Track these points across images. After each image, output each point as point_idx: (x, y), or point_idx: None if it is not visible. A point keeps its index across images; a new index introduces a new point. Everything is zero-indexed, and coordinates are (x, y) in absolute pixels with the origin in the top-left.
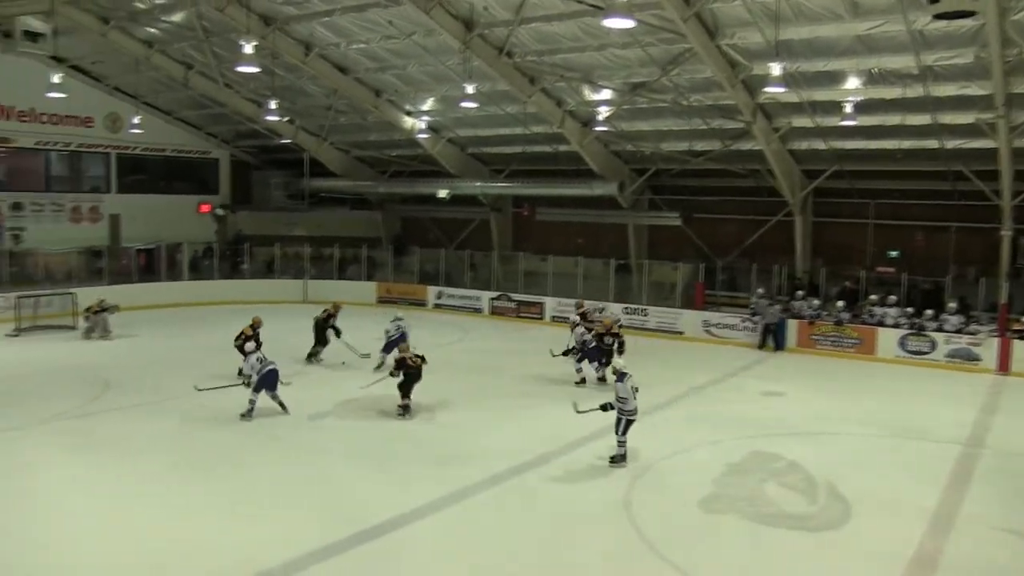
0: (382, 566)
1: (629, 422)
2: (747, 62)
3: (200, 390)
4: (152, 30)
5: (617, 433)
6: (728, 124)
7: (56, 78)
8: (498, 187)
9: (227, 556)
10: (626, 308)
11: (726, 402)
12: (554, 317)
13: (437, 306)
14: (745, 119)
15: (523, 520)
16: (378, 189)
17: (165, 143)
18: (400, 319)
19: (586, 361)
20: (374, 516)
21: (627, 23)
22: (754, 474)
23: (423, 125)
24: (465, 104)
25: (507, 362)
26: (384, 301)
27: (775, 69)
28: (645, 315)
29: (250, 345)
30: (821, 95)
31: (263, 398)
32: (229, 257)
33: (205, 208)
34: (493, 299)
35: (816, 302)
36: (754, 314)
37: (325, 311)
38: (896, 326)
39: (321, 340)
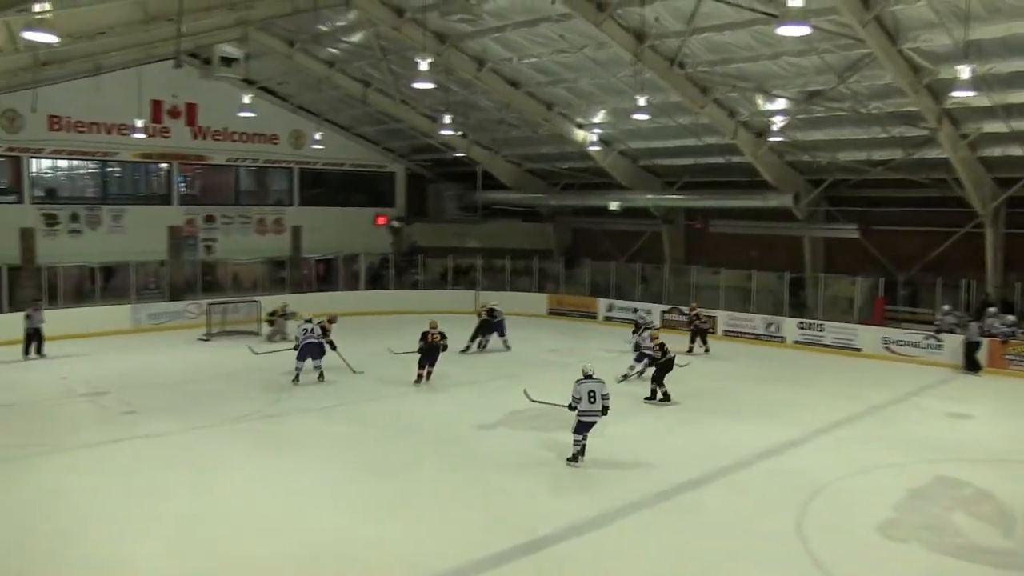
0: None
1: (581, 423)
2: (932, 66)
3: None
4: (333, 50)
5: (574, 430)
6: (910, 132)
7: (247, 99)
8: (670, 199)
9: (393, 559)
10: (801, 323)
11: (908, 423)
12: (726, 331)
13: (608, 318)
14: (929, 126)
15: (690, 536)
16: (549, 201)
17: (344, 158)
18: (308, 321)
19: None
20: (539, 527)
21: (802, 30)
22: (939, 501)
23: (594, 138)
24: (637, 116)
25: (676, 375)
26: (555, 313)
27: (964, 72)
28: (821, 330)
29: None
30: (1017, 97)
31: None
32: (404, 268)
33: (382, 220)
34: (664, 312)
35: (1010, 319)
36: (939, 331)
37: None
38: None
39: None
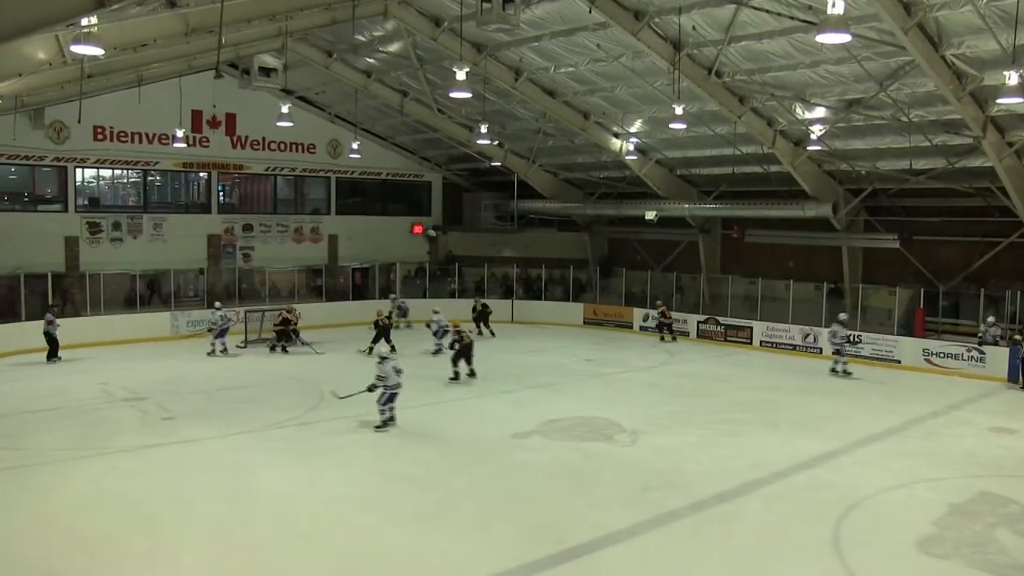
0: None
1: (393, 395)
2: (977, 72)
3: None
4: (371, 60)
5: (379, 403)
6: (953, 140)
7: (285, 109)
8: (707, 208)
9: (429, 568)
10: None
11: (949, 437)
12: (763, 342)
13: (643, 328)
14: (973, 134)
15: (725, 549)
16: (585, 211)
17: (381, 167)
18: (219, 307)
19: None
20: (574, 537)
21: (842, 38)
22: (982, 517)
23: (631, 147)
24: (674, 125)
25: (713, 387)
26: (590, 322)
27: (1011, 78)
28: (859, 342)
29: None
30: None
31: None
32: (440, 277)
33: (418, 229)
34: (700, 322)
35: None
36: (982, 343)
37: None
38: None
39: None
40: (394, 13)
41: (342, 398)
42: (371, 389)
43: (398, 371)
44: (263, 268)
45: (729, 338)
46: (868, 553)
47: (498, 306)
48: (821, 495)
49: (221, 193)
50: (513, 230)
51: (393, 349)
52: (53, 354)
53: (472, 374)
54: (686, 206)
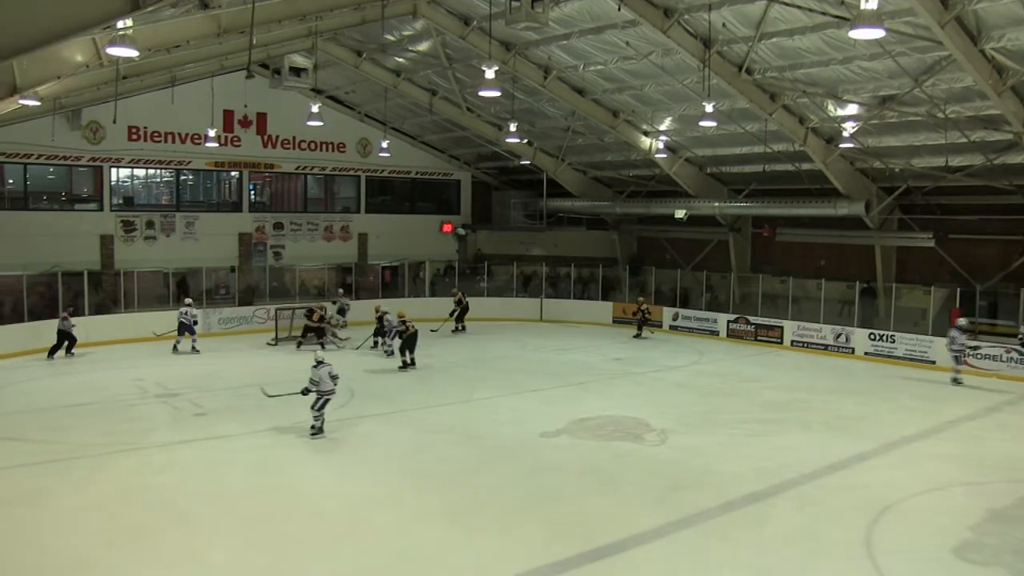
0: None
1: (326, 400)
2: (1018, 66)
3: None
4: (400, 60)
5: (313, 408)
6: (992, 136)
7: (315, 108)
8: (737, 207)
9: (456, 565)
10: (871, 334)
11: (988, 440)
12: (794, 342)
13: (673, 327)
14: (1014, 130)
15: (755, 551)
16: (615, 209)
17: (410, 165)
18: (189, 303)
19: None
20: (603, 536)
21: (876, 33)
22: None
23: (661, 145)
24: (704, 123)
25: (744, 386)
26: (619, 321)
27: None
28: (892, 342)
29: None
30: None
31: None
32: (469, 275)
33: (447, 228)
34: (730, 321)
35: None
36: (1023, 344)
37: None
38: None
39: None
40: (423, 12)
41: (271, 396)
42: (304, 392)
43: (334, 377)
44: (293, 266)
45: (759, 337)
46: (902, 558)
47: (526, 305)
48: (853, 497)
49: (252, 192)
50: (542, 229)
51: (323, 347)
52: (57, 350)
53: (412, 363)
54: (716, 204)
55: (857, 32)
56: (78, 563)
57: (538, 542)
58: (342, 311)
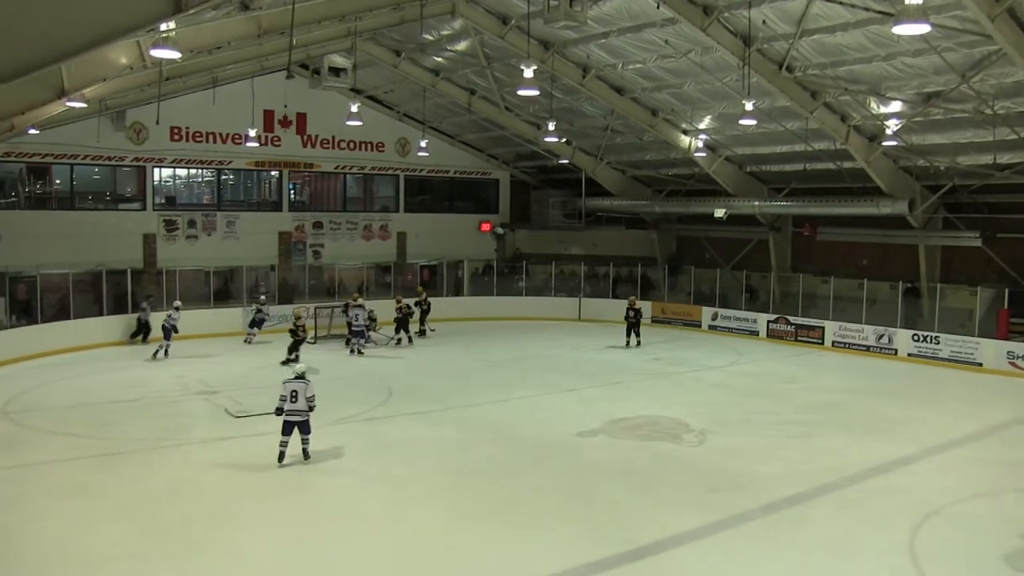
0: None
1: (286, 423)
2: None
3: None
4: (439, 59)
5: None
6: None
7: (354, 108)
8: (777, 206)
9: (493, 564)
10: (915, 335)
11: None
12: (835, 342)
13: (712, 327)
14: None
15: (795, 553)
16: (653, 208)
17: (449, 165)
18: (178, 306)
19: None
20: (640, 537)
21: (921, 28)
22: None
23: (700, 144)
24: (744, 121)
25: (783, 387)
26: (658, 321)
27: None
28: (937, 343)
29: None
30: None
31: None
32: (507, 274)
33: (486, 227)
34: (770, 322)
35: None
36: None
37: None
38: None
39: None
40: (462, 12)
41: (238, 417)
42: (278, 412)
43: (296, 397)
44: (332, 265)
45: (800, 338)
46: (948, 565)
47: (566, 304)
48: (896, 501)
49: (292, 191)
50: (581, 228)
51: (296, 359)
52: (138, 334)
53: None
54: (756, 203)
55: (901, 28)
56: (124, 555)
57: (576, 542)
58: (258, 323)
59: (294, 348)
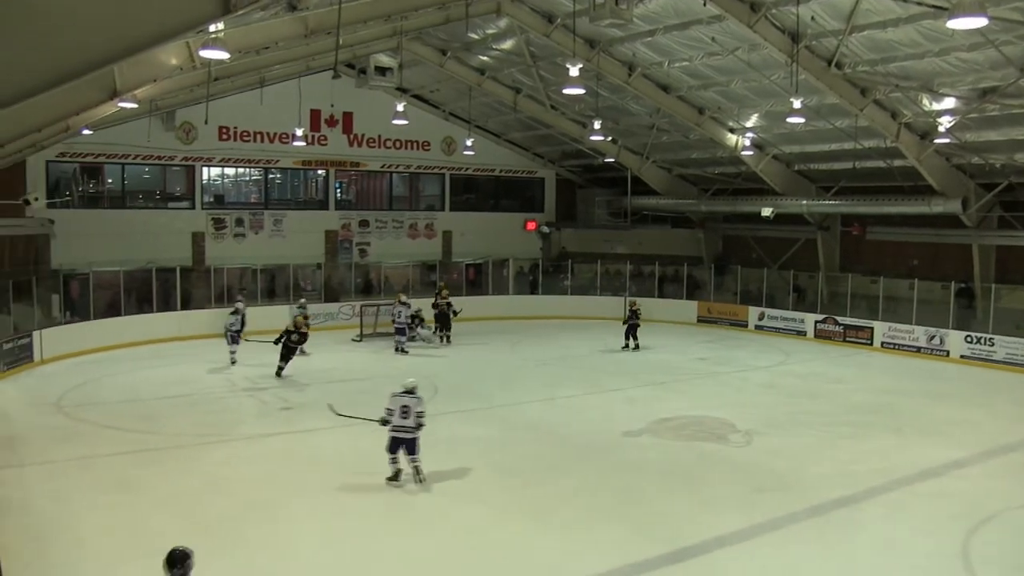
0: None
1: (399, 440)
2: None
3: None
4: (484, 58)
5: (388, 449)
6: None
7: (400, 107)
8: (826, 205)
9: (537, 564)
10: (968, 336)
11: None
12: (884, 343)
13: (758, 327)
14: None
15: (844, 558)
16: (700, 207)
17: (494, 163)
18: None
19: None
20: (685, 538)
21: (978, 22)
22: None
23: (747, 142)
24: (791, 119)
25: (831, 388)
26: (704, 320)
27: None
28: (991, 345)
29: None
30: None
31: None
32: (553, 273)
33: (531, 225)
34: (818, 322)
35: None
36: None
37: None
38: None
39: None
40: (507, 10)
41: (338, 414)
42: (383, 423)
43: (407, 412)
44: (378, 263)
45: (848, 338)
46: (1003, 571)
47: (611, 303)
48: (948, 505)
49: (338, 190)
50: (626, 227)
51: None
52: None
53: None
54: (804, 202)
55: (957, 22)
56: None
57: (620, 542)
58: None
59: (287, 356)
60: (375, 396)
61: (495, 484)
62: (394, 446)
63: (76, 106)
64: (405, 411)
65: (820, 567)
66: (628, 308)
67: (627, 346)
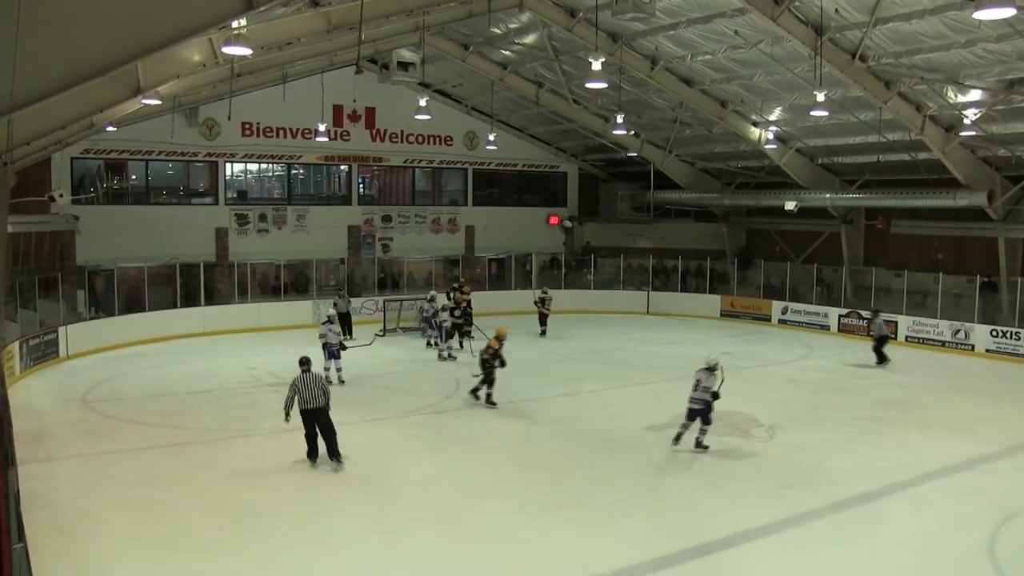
0: None
1: (689, 409)
2: None
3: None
4: (507, 52)
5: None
6: None
7: (422, 102)
8: (850, 198)
9: (562, 557)
10: (993, 330)
11: None
12: (908, 337)
13: (782, 322)
14: None
15: (868, 554)
16: (723, 201)
17: (517, 158)
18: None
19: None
20: (708, 533)
21: (1006, 12)
22: None
23: (770, 135)
24: (815, 113)
25: (856, 383)
26: (727, 315)
27: None
28: (1017, 339)
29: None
30: None
31: None
32: (575, 268)
33: (554, 220)
34: (842, 316)
35: None
36: None
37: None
38: None
39: None
40: (529, 5)
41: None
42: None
43: (697, 386)
44: (401, 258)
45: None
46: None
47: (634, 298)
48: (975, 501)
49: (361, 185)
50: (649, 221)
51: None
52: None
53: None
54: (827, 196)
55: (983, 13)
56: (203, 542)
57: (644, 536)
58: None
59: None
60: (400, 392)
61: (519, 478)
62: (691, 415)
63: (100, 103)
64: (697, 385)
65: (844, 563)
66: (538, 298)
67: (544, 332)
